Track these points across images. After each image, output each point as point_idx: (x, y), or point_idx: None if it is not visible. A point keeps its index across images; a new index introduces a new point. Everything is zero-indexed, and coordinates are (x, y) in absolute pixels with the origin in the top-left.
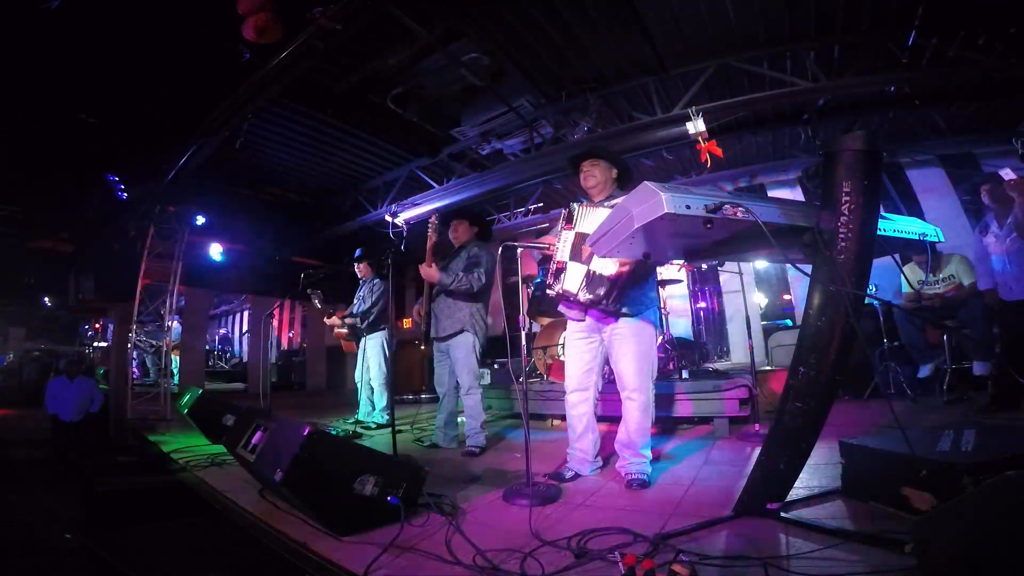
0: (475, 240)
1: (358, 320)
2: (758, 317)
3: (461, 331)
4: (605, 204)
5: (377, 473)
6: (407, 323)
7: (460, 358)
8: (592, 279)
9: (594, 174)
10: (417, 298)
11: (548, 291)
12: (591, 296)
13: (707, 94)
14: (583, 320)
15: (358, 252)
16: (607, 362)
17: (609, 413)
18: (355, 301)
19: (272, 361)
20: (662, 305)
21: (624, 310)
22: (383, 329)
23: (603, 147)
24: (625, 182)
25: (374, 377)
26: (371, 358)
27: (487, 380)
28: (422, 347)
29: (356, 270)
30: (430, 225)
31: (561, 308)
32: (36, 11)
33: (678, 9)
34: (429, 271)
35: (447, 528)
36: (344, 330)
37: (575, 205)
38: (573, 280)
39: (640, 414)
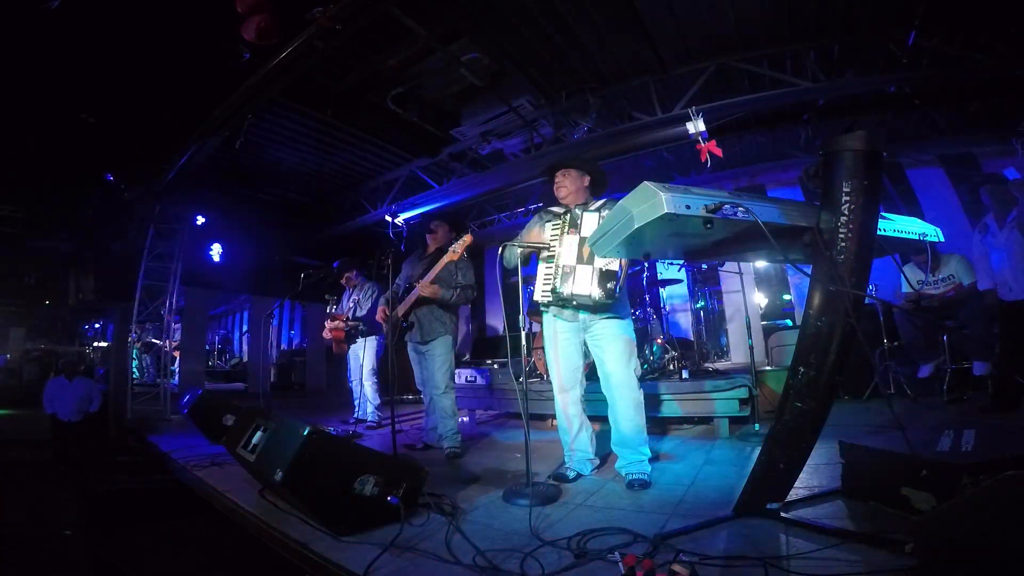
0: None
1: (361, 324)
2: (758, 317)
3: (444, 334)
4: (590, 209)
5: (377, 473)
6: None
7: (439, 355)
8: (602, 276)
9: (564, 184)
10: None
11: (552, 294)
12: (603, 292)
13: (707, 94)
14: (576, 320)
15: (336, 264)
16: (588, 361)
17: (602, 413)
18: (349, 305)
19: (272, 361)
20: (662, 305)
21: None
22: (382, 331)
23: (572, 157)
24: (599, 188)
25: (367, 376)
26: (368, 359)
27: (483, 381)
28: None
29: (343, 280)
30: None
31: (552, 310)
32: (36, 11)
33: (678, 9)
34: (432, 288)
35: (447, 528)
36: (341, 332)
37: (578, 211)
38: (583, 282)
39: (632, 411)
